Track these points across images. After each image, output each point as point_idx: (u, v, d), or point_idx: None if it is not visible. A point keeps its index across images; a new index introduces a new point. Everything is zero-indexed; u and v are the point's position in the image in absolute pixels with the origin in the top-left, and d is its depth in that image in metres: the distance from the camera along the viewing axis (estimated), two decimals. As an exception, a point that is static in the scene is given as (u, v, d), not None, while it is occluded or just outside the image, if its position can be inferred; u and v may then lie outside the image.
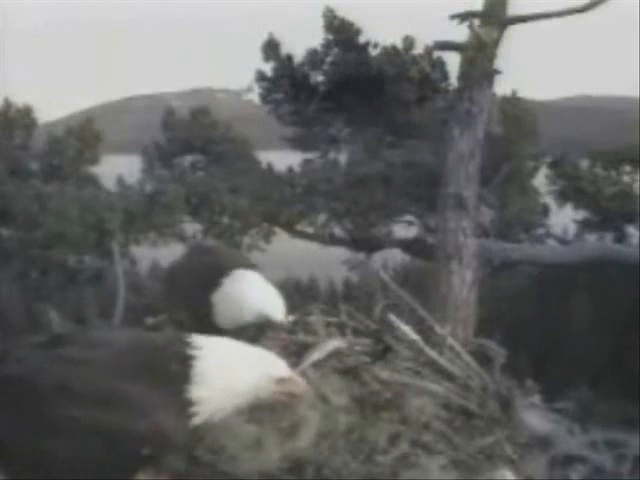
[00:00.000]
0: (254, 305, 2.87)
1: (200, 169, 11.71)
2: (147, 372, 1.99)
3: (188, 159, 11.86)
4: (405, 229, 10.90)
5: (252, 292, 2.89)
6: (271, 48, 10.39)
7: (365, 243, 10.70)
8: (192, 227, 10.30)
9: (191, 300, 2.94)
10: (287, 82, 10.46)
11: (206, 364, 2.08)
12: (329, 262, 11.08)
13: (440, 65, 9.96)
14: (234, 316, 2.89)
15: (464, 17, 7.52)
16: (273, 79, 10.57)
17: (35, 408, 1.90)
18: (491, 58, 7.51)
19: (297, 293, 12.13)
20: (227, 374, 2.11)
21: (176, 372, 2.03)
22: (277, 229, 10.81)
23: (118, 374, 1.95)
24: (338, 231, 10.93)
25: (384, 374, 3.16)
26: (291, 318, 3.12)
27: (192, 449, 2.51)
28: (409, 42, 9.99)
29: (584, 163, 11.12)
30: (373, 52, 10.14)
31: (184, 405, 2.01)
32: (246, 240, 10.51)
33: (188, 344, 2.11)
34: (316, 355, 3.11)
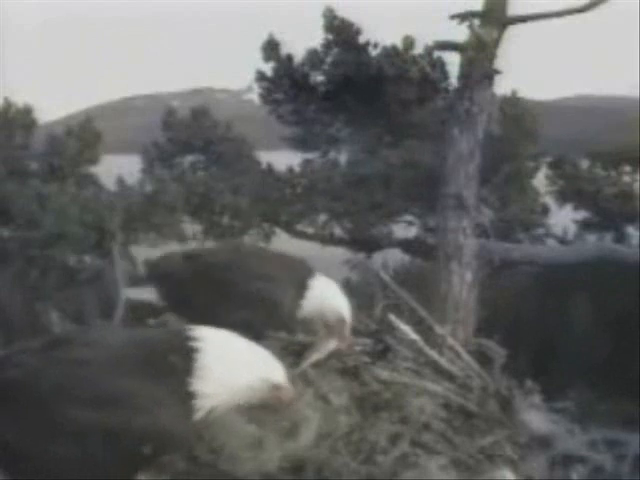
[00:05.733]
0: (339, 309, 3.04)
1: (200, 169, 11.72)
2: (148, 367, 1.95)
3: (188, 159, 11.86)
4: (405, 229, 10.89)
5: (337, 297, 3.06)
6: (271, 48, 10.38)
7: (365, 243, 10.69)
8: (192, 227, 10.30)
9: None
10: (287, 82, 10.45)
11: (209, 357, 2.04)
12: (329, 262, 11.06)
13: (440, 65, 9.95)
14: (316, 317, 3.02)
15: (464, 17, 7.51)
16: (273, 79, 10.56)
17: (35, 410, 1.89)
18: (491, 58, 7.50)
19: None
20: (229, 370, 2.07)
21: (177, 365, 1.99)
22: (277, 229, 10.81)
23: (117, 372, 1.93)
24: (338, 231, 10.93)
25: (384, 374, 3.16)
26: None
27: (192, 449, 2.51)
28: (409, 42, 9.97)
29: (584, 163, 11.12)
30: (373, 52, 10.12)
31: (186, 399, 1.97)
32: (246, 240, 10.51)
33: (190, 337, 2.06)
34: (316, 355, 3.11)
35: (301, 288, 2.97)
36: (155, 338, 2.15)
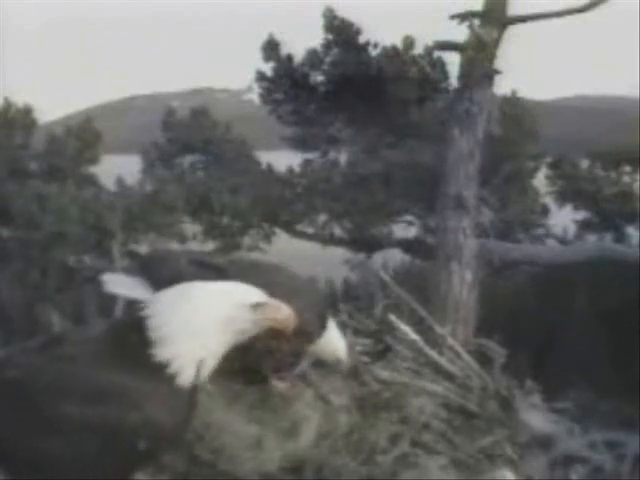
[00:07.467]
0: (340, 351, 3.00)
1: (200, 169, 11.73)
2: (121, 356, 1.87)
3: (188, 159, 11.87)
4: (405, 229, 10.90)
5: (341, 340, 3.02)
6: (271, 48, 10.39)
7: (365, 243, 10.70)
8: (192, 227, 10.30)
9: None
10: (287, 82, 10.45)
11: (159, 318, 1.87)
12: (329, 262, 11.07)
13: (440, 65, 9.96)
14: (318, 353, 2.96)
15: (464, 17, 7.51)
16: (273, 79, 10.56)
17: (31, 408, 1.88)
18: (491, 58, 7.51)
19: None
20: (187, 320, 1.88)
21: (135, 340, 1.86)
22: (277, 229, 10.82)
23: (103, 367, 1.89)
24: (338, 231, 10.94)
25: (384, 374, 3.16)
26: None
27: (192, 448, 2.51)
28: (409, 42, 9.97)
29: (584, 163, 11.13)
30: (373, 52, 10.13)
31: (158, 371, 1.84)
32: (246, 241, 10.52)
33: (140, 307, 1.92)
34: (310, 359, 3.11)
35: (321, 327, 2.90)
36: (115, 323, 2.07)
